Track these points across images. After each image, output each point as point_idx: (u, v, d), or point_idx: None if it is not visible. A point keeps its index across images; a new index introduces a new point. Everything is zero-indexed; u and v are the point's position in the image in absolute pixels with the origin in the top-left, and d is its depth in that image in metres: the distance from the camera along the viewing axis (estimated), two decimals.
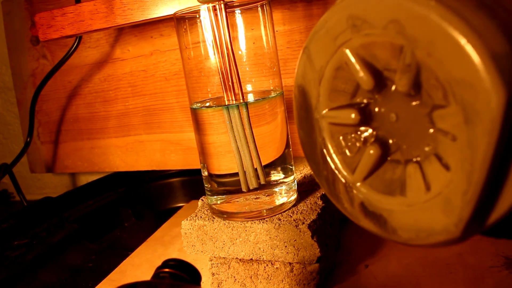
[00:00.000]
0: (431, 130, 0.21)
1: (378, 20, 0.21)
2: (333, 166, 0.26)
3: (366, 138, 0.24)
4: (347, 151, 0.25)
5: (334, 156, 0.26)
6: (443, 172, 0.20)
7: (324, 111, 0.26)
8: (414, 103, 0.22)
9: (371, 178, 0.24)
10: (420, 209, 0.22)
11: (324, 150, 0.26)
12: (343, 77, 0.24)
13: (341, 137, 0.26)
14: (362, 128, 0.25)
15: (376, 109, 0.24)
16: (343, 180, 0.26)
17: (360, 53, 0.23)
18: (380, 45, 0.22)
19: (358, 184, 0.25)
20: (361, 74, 0.23)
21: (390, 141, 0.24)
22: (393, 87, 0.23)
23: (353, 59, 0.23)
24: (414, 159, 0.22)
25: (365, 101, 0.24)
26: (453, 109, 0.19)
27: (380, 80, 0.23)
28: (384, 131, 0.24)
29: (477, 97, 0.18)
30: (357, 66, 0.23)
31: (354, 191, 0.25)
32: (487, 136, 0.18)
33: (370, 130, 0.24)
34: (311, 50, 0.26)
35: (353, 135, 0.25)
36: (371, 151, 0.24)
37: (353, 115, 0.24)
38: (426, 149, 0.21)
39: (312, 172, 0.28)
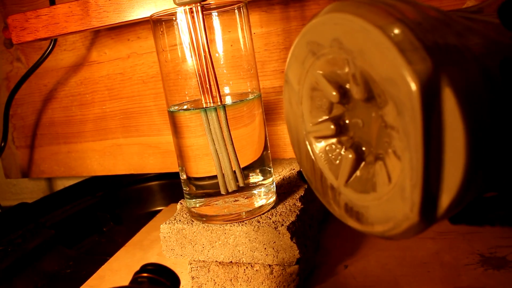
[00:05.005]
0: (385, 128, 0.23)
1: (325, 41, 0.25)
2: (322, 175, 0.29)
3: (346, 146, 0.27)
4: (332, 160, 0.28)
5: (322, 165, 0.28)
6: (397, 163, 0.22)
7: (308, 127, 0.29)
8: (370, 107, 0.24)
9: (352, 180, 0.26)
10: (385, 200, 0.23)
11: (314, 162, 0.29)
12: (318, 95, 0.27)
13: (326, 148, 0.28)
14: (342, 138, 0.27)
15: (348, 119, 0.26)
16: (331, 186, 0.28)
17: (325, 71, 0.26)
18: (333, 62, 0.25)
19: (342, 187, 0.27)
20: (328, 90, 0.26)
21: (363, 146, 0.26)
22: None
23: (319, 79, 0.26)
24: (380, 156, 0.24)
25: (340, 113, 0.27)
26: (390, 105, 0.22)
27: (345, 92, 0.25)
28: (357, 138, 0.26)
29: (400, 90, 0.20)
30: (324, 84, 0.26)
31: (340, 195, 0.27)
32: (413, 122, 0.20)
33: (347, 138, 0.27)
34: (289, 76, 0.29)
35: (336, 145, 0.28)
36: (349, 156, 0.26)
37: (332, 127, 0.27)
38: (386, 145, 0.23)
39: (308, 184, 0.30)
